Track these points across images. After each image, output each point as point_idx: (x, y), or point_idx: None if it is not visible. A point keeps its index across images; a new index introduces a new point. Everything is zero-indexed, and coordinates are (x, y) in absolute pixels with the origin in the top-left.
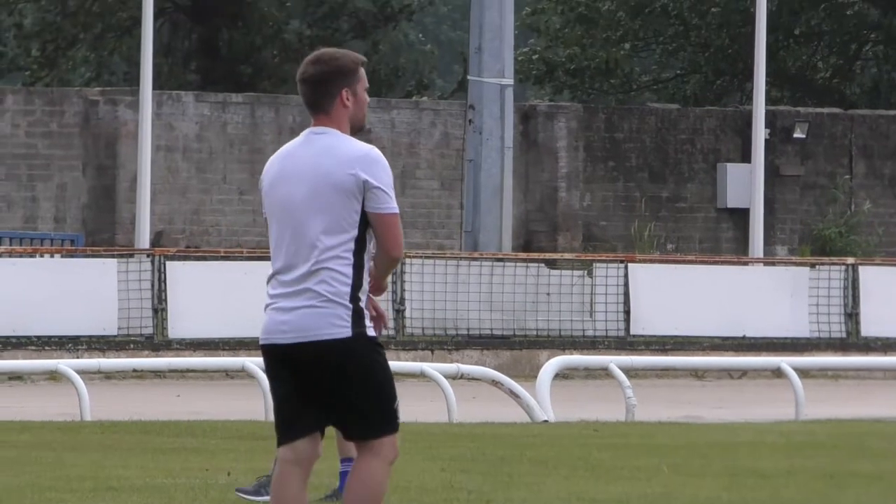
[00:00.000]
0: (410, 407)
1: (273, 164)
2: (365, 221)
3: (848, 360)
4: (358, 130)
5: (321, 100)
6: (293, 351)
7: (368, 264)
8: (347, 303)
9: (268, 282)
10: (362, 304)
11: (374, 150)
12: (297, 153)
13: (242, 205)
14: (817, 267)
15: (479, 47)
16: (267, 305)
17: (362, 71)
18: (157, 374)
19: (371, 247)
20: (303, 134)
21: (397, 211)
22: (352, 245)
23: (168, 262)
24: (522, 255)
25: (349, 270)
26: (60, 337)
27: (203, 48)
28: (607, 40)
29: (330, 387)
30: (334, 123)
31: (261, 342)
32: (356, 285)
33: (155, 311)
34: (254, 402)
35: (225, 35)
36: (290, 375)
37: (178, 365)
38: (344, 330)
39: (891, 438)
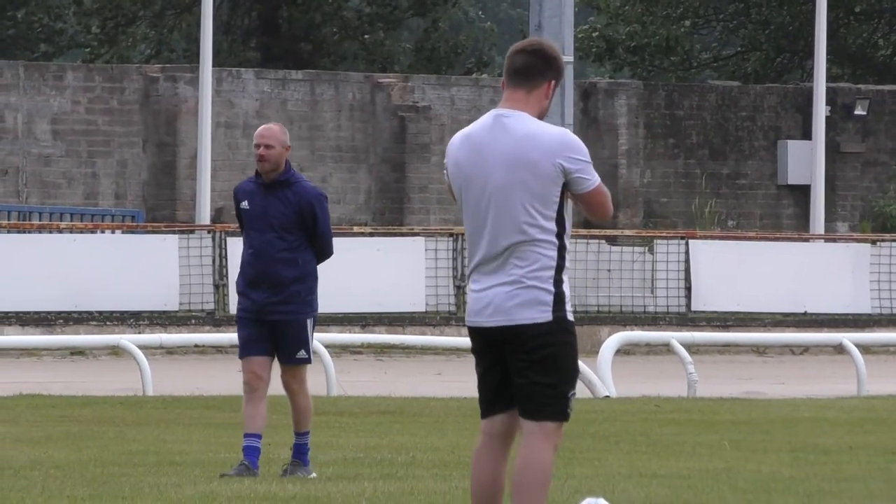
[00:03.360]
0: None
1: (461, 149)
2: (562, 199)
3: None
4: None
5: (533, 78)
6: (495, 333)
7: (569, 242)
8: (550, 287)
9: (470, 263)
10: (564, 287)
11: (568, 134)
12: (490, 139)
13: None
14: (878, 243)
15: (538, 24)
16: (470, 288)
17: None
18: (218, 349)
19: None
20: (488, 116)
21: (598, 181)
22: (553, 226)
23: (228, 238)
24: (583, 231)
25: (552, 253)
26: (122, 312)
27: (263, 25)
28: (667, 17)
29: (518, 365)
30: (527, 107)
31: (466, 323)
32: (560, 267)
33: (216, 286)
34: (316, 378)
35: (285, 12)
36: (491, 354)
37: None
38: (545, 314)
39: None
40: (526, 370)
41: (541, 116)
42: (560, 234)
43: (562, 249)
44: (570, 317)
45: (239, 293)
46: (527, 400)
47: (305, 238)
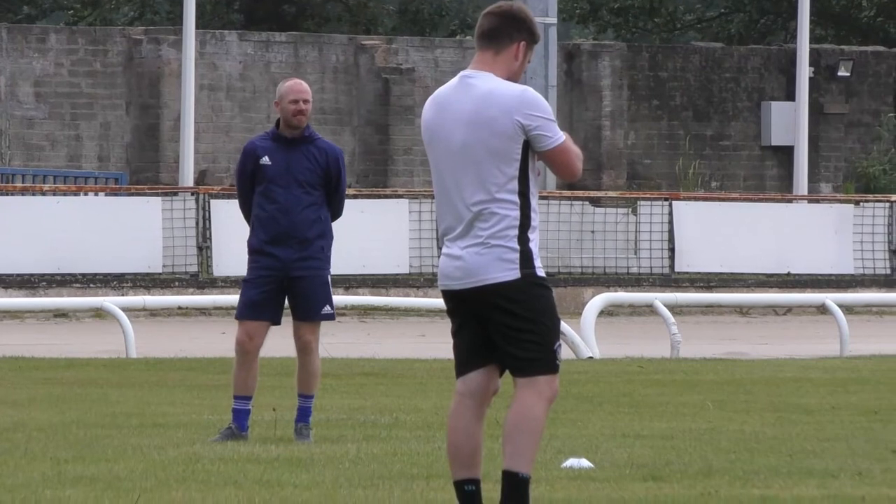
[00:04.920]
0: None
1: (429, 110)
2: (525, 158)
3: (892, 297)
4: None
5: (502, 39)
6: (466, 295)
7: (535, 201)
8: (515, 245)
9: (439, 225)
10: (531, 245)
11: (528, 91)
12: (453, 99)
13: None
14: (861, 204)
15: None
16: (441, 249)
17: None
18: (202, 311)
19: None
20: (456, 78)
21: (561, 139)
22: (515, 185)
23: (212, 201)
24: (567, 192)
25: (515, 212)
26: (105, 275)
27: None
28: None
29: (498, 326)
30: (494, 68)
31: (439, 287)
32: (524, 226)
33: (199, 248)
34: (291, 339)
35: None
36: (462, 314)
37: (223, 302)
38: (511, 273)
39: None
40: (506, 330)
41: (511, 78)
42: (524, 193)
43: (526, 208)
44: (540, 272)
45: (255, 252)
46: (514, 359)
47: (325, 195)
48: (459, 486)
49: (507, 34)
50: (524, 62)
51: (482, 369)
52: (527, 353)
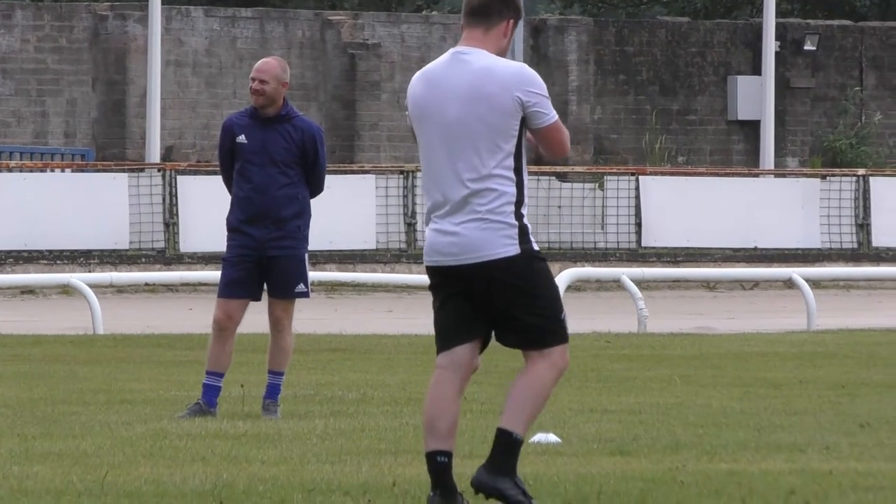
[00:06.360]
0: (424, 319)
1: (418, 84)
2: (521, 135)
3: (859, 271)
4: None
5: (491, 16)
6: (463, 271)
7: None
8: (513, 220)
9: (428, 200)
10: (525, 221)
11: (526, 68)
12: (446, 75)
13: None
14: (828, 178)
15: None
16: (428, 225)
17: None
18: (169, 287)
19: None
20: (447, 54)
21: (556, 117)
22: (511, 162)
23: (179, 177)
24: (534, 168)
25: (512, 189)
26: (72, 251)
27: None
28: None
29: (502, 302)
30: (484, 45)
31: (426, 263)
32: (520, 202)
33: (166, 225)
34: (263, 316)
35: None
36: (454, 288)
37: (190, 279)
38: (511, 248)
39: None
40: (513, 306)
41: (500, 55)
42: (518, 169)
43: (520, 184)
44: (536, 246)
45: (233, 230)
46: (526, 332)
47: (303, 173)
48: (432, 456)
49: (497, 11)
50: (510, 39)
51: (466, 344)
52: (537, 325)
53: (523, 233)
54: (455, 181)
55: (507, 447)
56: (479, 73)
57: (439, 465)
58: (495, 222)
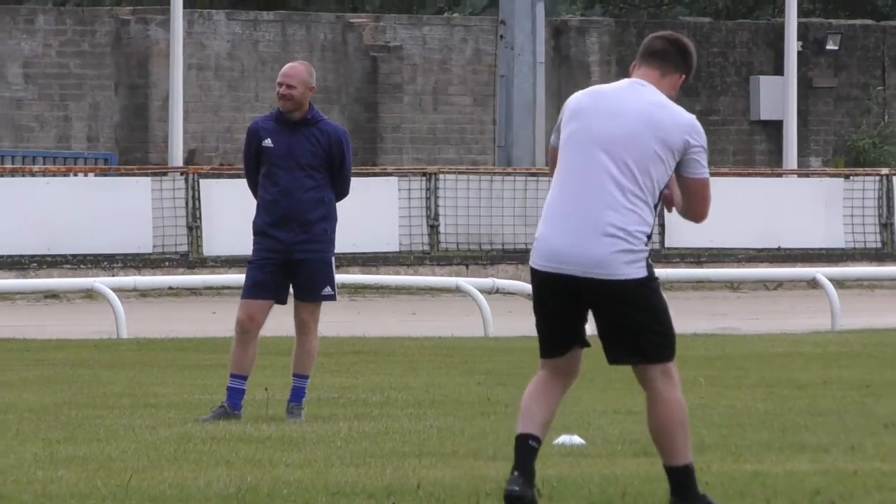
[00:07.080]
0: (446, 322)
1: (588, 96)
2: (667, 182)
3: (883, 271)
4: None
5: (669, 64)
6: (584, 283)
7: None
8: (643, 246)
9: (554, 200)
10: (648, 247)
11: (697, 121)
12: (621, 96)
13: None
14: (851, 178)
15: None
16: (551, 228)
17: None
18: (193, 291)
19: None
20: (623, 81)
21: (708, 175)
22: (656, 194)
23: (202, 180)
24: None
25: (650, 216)
26: (95, 255)
27: None
28: None
29: (621, 318)
30: (660, 86)
31: (541, 267)
32: (652, 230)
33: (189, 228)
34: (287, 318)
35: None
36: (561, 296)
37: (214, 282)
38: (640, 271)
39: None
40: (633, 322)
41: None
42: (656, 206)
43: (654, 218)
44: (655, 272)
45: (259, 233)
46: (644, 347)
47: (329, 177)
48: (524, 439)
49: (675, 63)
50: (675, 95)
51: (571, 352)
52: (657, 343)
53: (648, 259)
54: (599, 187)
55: (684, 479)
56: (656, 105)
57: (529, 448)
58: (630, 243)
